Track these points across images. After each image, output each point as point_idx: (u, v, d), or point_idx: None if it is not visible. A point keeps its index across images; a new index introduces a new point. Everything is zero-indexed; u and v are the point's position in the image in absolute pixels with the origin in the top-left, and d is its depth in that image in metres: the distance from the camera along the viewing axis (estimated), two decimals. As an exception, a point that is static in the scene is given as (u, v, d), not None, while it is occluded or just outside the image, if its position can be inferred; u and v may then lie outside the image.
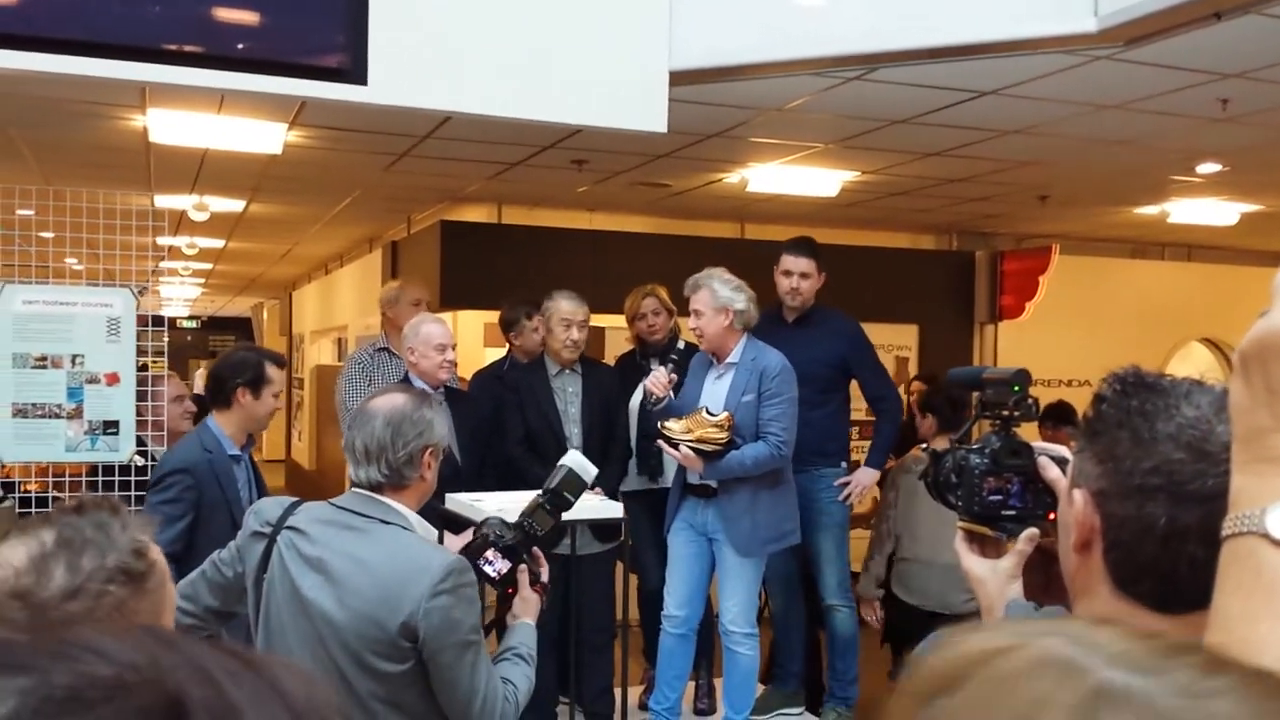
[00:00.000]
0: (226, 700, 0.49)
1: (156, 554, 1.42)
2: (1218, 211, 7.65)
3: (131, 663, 0.48)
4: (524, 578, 2.62)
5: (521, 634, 2.56)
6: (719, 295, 4.28)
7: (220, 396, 3.71)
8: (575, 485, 2.70)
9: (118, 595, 1.32)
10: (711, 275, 4.34)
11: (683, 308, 4.56)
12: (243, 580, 2.48)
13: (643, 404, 4.62)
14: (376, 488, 2.42)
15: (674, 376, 4.36)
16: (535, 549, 2.66)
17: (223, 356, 3.78)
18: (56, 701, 0.45)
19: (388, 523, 2.38)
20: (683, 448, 4.15)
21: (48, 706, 0.45)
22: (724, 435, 4.16)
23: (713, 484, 4.30)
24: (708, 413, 4.20)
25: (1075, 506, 1.20)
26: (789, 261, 4.81)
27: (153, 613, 1.40)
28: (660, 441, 4.23)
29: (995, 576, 1.51)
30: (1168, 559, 1.13)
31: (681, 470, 4.38)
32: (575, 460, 2.74)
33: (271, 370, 3.76)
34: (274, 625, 2.40)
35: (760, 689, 4.71)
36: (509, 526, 2.61)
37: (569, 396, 4.76)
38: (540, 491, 2.69)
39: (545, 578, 2.67)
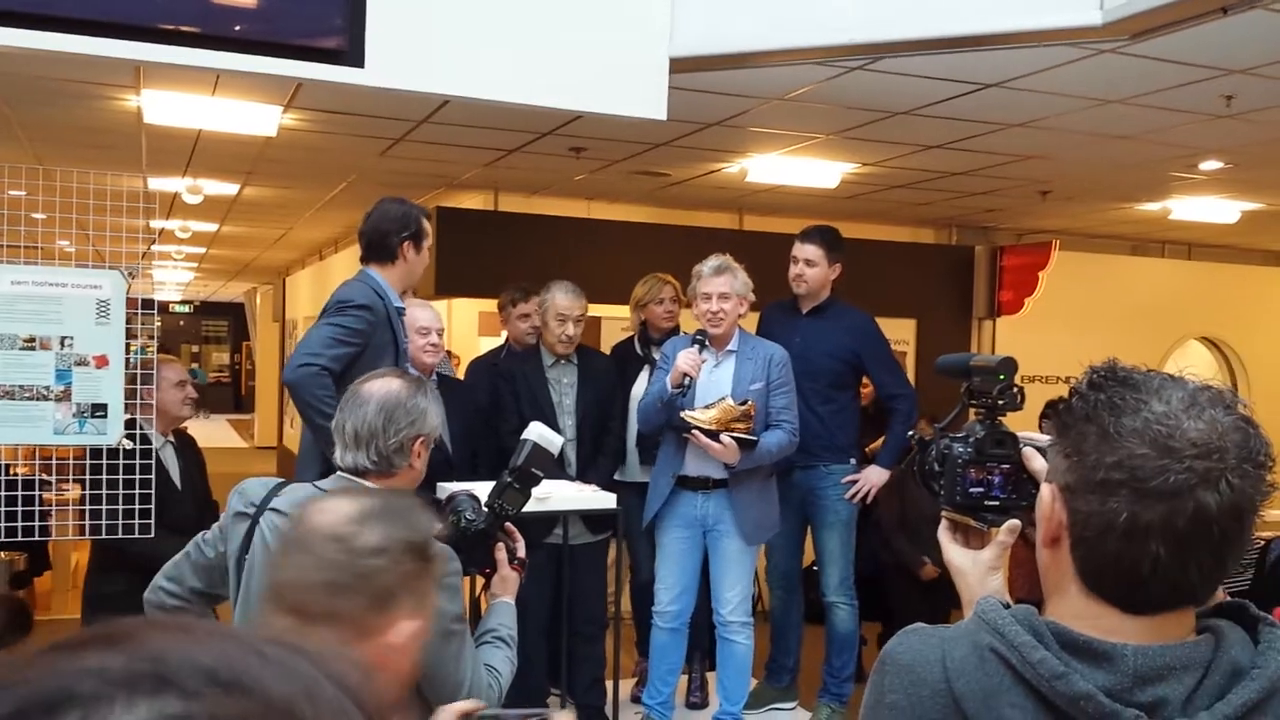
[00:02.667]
0: None
1: (439, 550, 1.67)
2: (1219, 209, 7.63)
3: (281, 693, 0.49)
4: (502, 555, 2.58)
5: (501, 614, 2.53)
6: (743, 283, 4.26)
7: (384, 251, 3.74)
8: (542, 458, 2.66)
9: (410, 568, 1.55)
10: (731, 261, 4.30)
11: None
12: (225, 560, 2.45)
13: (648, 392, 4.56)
14: (362, 474, 2.38)
15: (705, 357, 4.25)
16: (510, 525, 2.63)
17: (378, 211, 3.81)
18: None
19: None
20: (724, 438, 4.09)
21: None
22: (749, 424, 4.13)
23: (713, 475, 4.26)
24: (730, 401, 4.15)
25: (1042, 501, 1.19)
26: (795, 248, 4.76)
27: (427, 592, 1.64)
28: (695, 432, 4.13)
29: (976, 568, 1.50)
30: (1130, 557, 1.11)
31: (671, 462, 4.33)
32: (538, 432, 2.69)
33: (426, 223, 3.82)
34: (254, 607, 2.36)
35: (753, 683, 4.69)
36: (478, 507, 2.58)
37: (563, 387, 4.72)
38: (507, 470, 2.64)
39: (522, 553, 2.64)
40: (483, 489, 2.69)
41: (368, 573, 1.51)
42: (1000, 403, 1.60)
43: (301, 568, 1.52)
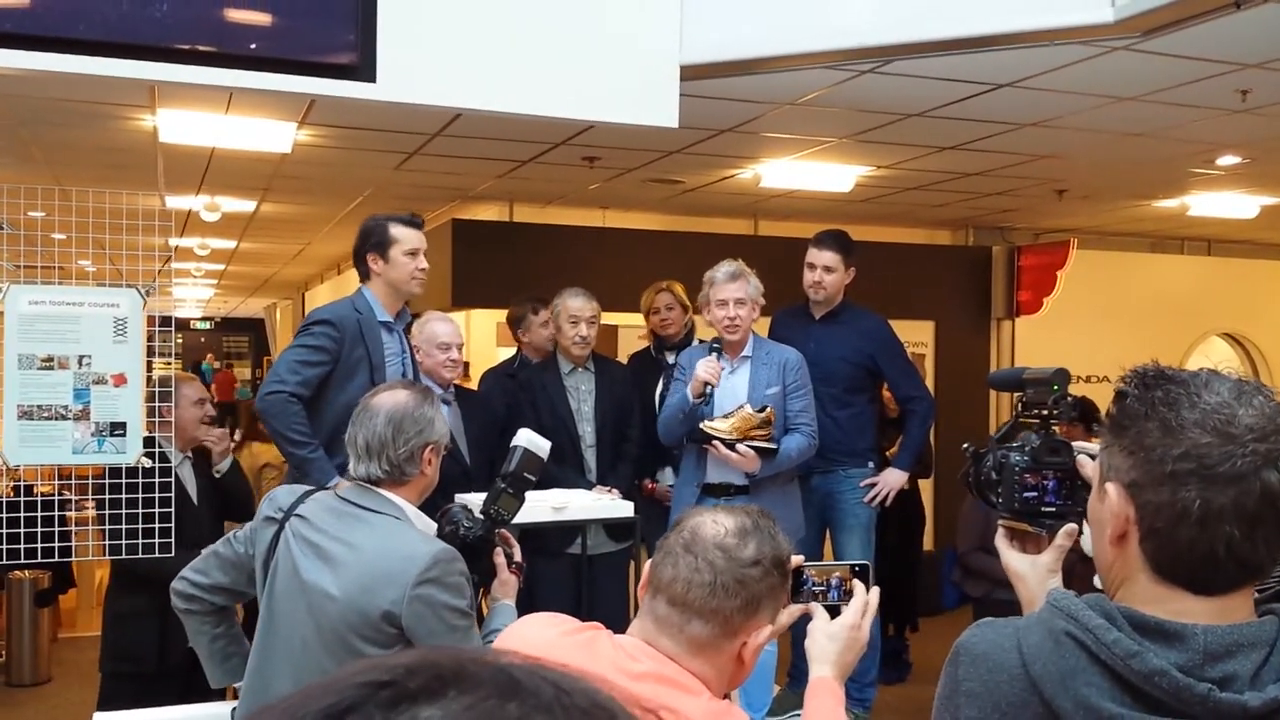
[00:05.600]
0: None
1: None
2: (1237, 204, 7.57)
3: None
4: (501, 560, 2.69)
5: (504, 615, 2.61)
6: (756, 287, 4.25)
7: (361, 267, 3.88)
8: (533, 463, 2.76)
9: (775, 581, 1.78)
10: (744, 266, 4.30)
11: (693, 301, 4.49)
12: (253, 561, 2.56)
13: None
14: (376, 482, 2.48)
15: (723, 365, 4.23)
16: (504, 531, 2.74)
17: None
18: None
19: (383, 514, 2.45)
20: (740, 447, 4.08)
21: None
22: (769, 431, 4.11)
23: (734, 482, 4.24)
24: (749, 409, 4.14)
25: (1110, 500, 1.23)
26: (812, 254, 4.74)
27: (780, 603, 1.85)
28: (716, 443, 4.12)
29: (1035, 571, 1.57)
30: (1205, 541, 1.16)
31: (695, 472, 4.32)
32: (527, 439, 2.79)
33: (397, 230, 3.85)
34: (276, 609, 2.47)
35: (776, 690, 4.66)
36: (474, 517, 2.68)
37: (582, 395, 4.72)
38: (500, 476, 2.74)
39: (519, 557, 2.74)
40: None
41: (745, 580, 1.73)
42: (1055, 412, 1.68)
43: (691, 568, 1.73)
